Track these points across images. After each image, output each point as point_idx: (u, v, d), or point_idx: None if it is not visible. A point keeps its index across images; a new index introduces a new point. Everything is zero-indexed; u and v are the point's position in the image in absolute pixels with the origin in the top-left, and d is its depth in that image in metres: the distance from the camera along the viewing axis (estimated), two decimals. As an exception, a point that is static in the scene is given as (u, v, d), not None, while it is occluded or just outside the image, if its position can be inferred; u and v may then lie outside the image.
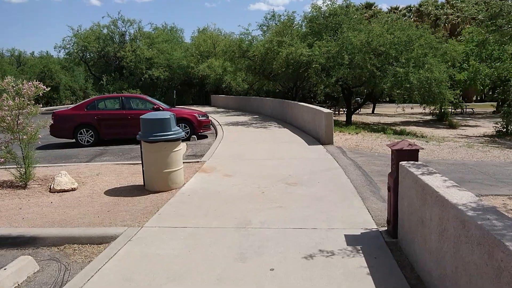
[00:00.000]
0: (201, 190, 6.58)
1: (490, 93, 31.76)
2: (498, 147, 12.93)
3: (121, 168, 8.70)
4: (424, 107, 23.66)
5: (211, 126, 14.64)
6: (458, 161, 9.14)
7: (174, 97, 30.06)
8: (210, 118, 20.54)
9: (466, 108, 31.12)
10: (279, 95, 33.51)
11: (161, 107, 13.42)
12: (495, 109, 34.42)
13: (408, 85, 14.62)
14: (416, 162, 4.25)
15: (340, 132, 14.80)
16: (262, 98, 25.07)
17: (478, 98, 52.66)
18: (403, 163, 4.23)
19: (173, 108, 14.20)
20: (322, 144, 11.08)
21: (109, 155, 11.02)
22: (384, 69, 15.81)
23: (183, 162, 8.86)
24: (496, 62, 17.93)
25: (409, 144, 4.41)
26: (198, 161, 9.06)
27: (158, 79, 34.42)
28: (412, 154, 4.37)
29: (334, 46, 16.09)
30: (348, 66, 16.02)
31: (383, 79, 15.65)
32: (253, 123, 17.37)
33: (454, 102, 17.85)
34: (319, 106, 31.73)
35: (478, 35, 26.08)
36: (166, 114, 6.76)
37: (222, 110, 27.33)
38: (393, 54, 15.59)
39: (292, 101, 16.97)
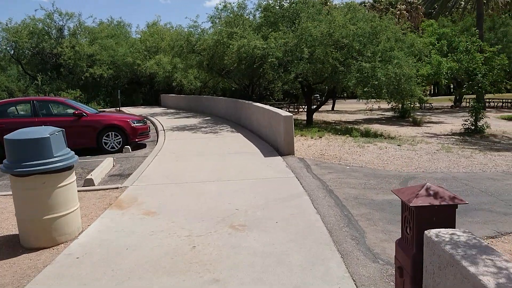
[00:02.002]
0: (101, 246, 4.36)
1: (451, 87, 31.36)
2: (476, 148, 11.55)
3: (5, 202, 6.27)
4: (389, 102, 22.39)
5: (149, 133, 12.31)
6: (446, 173, 7.45)
7: (119, 97, 27.22)
8: (154, 121, 18.14)
9: (425, 103, 30.46)
10: (236, 93, 31.42)
11: (85, 112, 10.95)
12: (453, 104, 34.18)
13: (376, 82, 13.00)
14: (459, 233, 2.30)
15: (301, 136, 12.93)
16: (215, 97, 22.91)
17: (433, 92, 53.22)
18: (432, 235, 2.27)
19: (101, 114, 11.74)
20: (281, 154, 9.10)
21: (3, 179, 8.47)
22: (348, 63, 14.12)
23: (98, 190, 6.59)
24: (462, 55, 16.84)
25: (435, 194, 2.47)
26: (117, 187, 6.78)
27: (101, 77, 31.27)
28: (444, 214, 2.43)
29: (292, 38, 14.22)
30: (308, 60, 14.20)
31: (347, 75, 13.95)
32: (202, 127, 15.16)
33: (422, 99, 16.54)
34: (278, 104, 29.99)
35: (437, 28, 25.27)
36: (45, 131, 4.46)
37: (172, 111, 24.85)
38: (357, 47, 13.93)
39: (246, 101, 14.94)
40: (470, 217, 4.99)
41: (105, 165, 8.63)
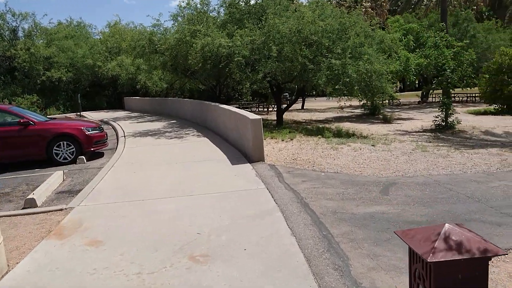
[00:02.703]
0: (26, 293, 3.49)
1: (416, 82, 31.63)
2: (450, 146, 11.22)
3: None
4: (361, 100, 22.15)
5: (107, 141, 11.30)
6: (427, 177, 6.95)
7: (80, 101, 25.72)
8: (115, 126, 17.03)
9: (393, 99, 30.54)
10: (204, 94, 30.42)
11: (32, 120, 9.84)
12: (420, 99, 34.50)
13: (347, 79, 12.49)
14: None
15: (271, 138, 12.26)
16: (180, 99, 21.92)
17: (399, 88, 53.99)
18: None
19: (51, 121, 10.64)
20: (250, 161, 8.38)
21: None
22: (317, 61, 13.57)
23: (38, 213, 5.66)
24: (430, 50, 16.67)
25: (459, 244, 1.79)
26: (62, 209, 5.86)
27: (60, 81, 29.53)
28: (473, 270, 1.76)
29: (259, 36, 13.52)
30: (276, 58, 13.55)
31: (316, 73, 13.39)
32: (167, 132, 14.23)
33: (393, 96, 16.23)
34: (247, 104, 29.26)
35: (403, 24, 25.25)
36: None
37: (136, 114, 23.66)
38: (327, 44, 13.39)
39: (213, 103, 14.13)
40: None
41: (53, 180, 7.65)
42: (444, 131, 15.75)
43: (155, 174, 7.76)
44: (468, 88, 23.91)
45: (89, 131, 10.32)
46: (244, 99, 14.92)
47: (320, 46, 13.69)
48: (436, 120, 16.19)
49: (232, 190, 6.26)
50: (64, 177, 8.31)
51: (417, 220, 4.78)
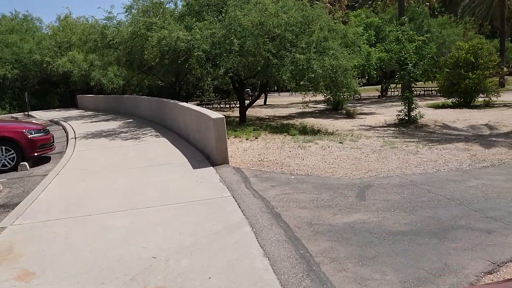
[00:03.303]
0: None
1: (377, 77, 31.96)
2: (417, 141, 11.03)
3: None
4: (326, 96, 21.93)
5: (54, 144, 10.22)
6: (401, 177, 6.58)
7: (27, 100, 23.91)
8: (66, 127, 15.76)
9: (355, 94, 30.66)
10: (164, 91, 29.24)
11: (-39, 124, 8.66)
12: (380, 94, 34.98)
13: (312, 75, 12.03)
14: None
15: (235, 137, 11.62)
16: (137, 97, 20.80)
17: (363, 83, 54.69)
18: None
19: (-14, 124, 9.47)
20: (214, 164, 7.70)
21: None
22: (281, 55, 13.04)
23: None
24: (392, 44, 16.61)
25: None
26: (-9, 230, 4.95)
27: (5, 78, 27.38)
28: None
29: (220, 29, 12.79)
30: (238, 53, 12.88)
31: (280, 68, 12.86)
32: (122, 132, 13.23)
33: (356, 91, 15.97)
34: (208, 100, 28.39)
35: (364, 18, 25.28)
36: None
37: (90, 113, 22.24)
38: (290, 38, 12.88)
39: (172, 101, 13.28)
40: (451, 240, 4.01)
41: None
42: (408, 125, 15.72)
43: (107, 182, 6.91)
44: (425, 82, 24.27)
45: (32, 133, 9.24)
46: (206, 96, 14.17)
47: (283, 40, 13.17)
48: (399, 115, 16.14)
49: (194, 200, 5.57)
50: (1, 188, 7.29)
51: (401, 230, 4.32)
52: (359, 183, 6.22)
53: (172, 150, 9.57)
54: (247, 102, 19.63)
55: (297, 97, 27.00)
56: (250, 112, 23.28)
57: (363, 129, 15.34)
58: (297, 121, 18.20)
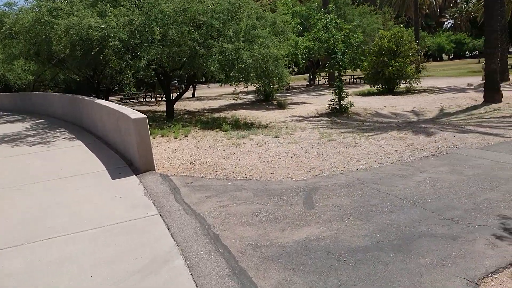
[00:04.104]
0: None
1: (304, 66, 32.11)
2: (351, 132, 10.80)
3: None
4: (257, 87, 21.34)
5: None
6: (347, 175, 6.08)
7: None
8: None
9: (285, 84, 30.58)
10: (83, 87, 26.69)
11: None
12: (308, 83, 35.36)
13: (242, 65, 11.26)
14: None
15: (162, 136, 10.54)
16: (47, 94, 18.58)
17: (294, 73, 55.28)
18: None
19: None
20: (137, 172, 6.64)
21: None
22: (209, 45, 12.09)
23: None
24: (321, 33, 16.42)
25: None
26: None
27: None
28: None
29: (138, 16, 11.47)
30: (161, 43, 11.70)
31: (208, 58, 11.92)
32: (29, 136, 11.46)
33: (285, 81, 15.50)
34: (133, 95, 26.47)
35: (291, 6, 25.01)
36: None
37: (-8, 114, 19.50)
38: (217, 26, 11.96)
39: (87, 98, 11.76)
40: (418, 254, 3.50)
41: None
42: (339, 114, 15.66)
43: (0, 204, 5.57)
44: (354, 70, 24.72)
45: None
46: (127, 90, 12.78)
47: (210, 28, 12.21)
48: (331, 104, 16.03)
49: (112, 223, 4.54)
50: None
51: (361, 244, 3.73)
52: (304, 185, 5.59)
53: (88, 156, 8.27)
54: (175, 95, 18.43)
55: (227, 88, 26.18)
56: (178, 106, 22.04)
57: (296, 120, 14.98)
58: (229, 114, 17.43)
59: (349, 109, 16.15)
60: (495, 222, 4.10)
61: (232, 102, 24.52)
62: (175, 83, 31.29)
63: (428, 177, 5.78)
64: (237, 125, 12.77)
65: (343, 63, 15.87)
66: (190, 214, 4.63)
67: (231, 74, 11.77)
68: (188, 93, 30.68)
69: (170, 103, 15.71)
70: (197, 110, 20.11)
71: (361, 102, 19.13)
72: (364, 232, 3.98)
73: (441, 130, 9.96)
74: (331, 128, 11.71)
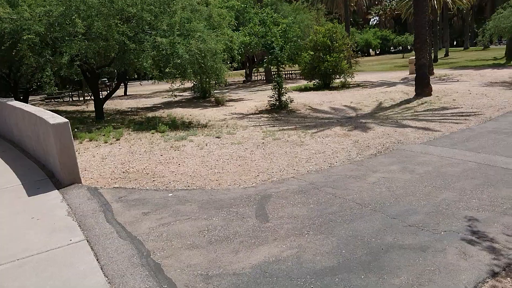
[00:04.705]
0: None
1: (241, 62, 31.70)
2: (294, 128, 10.51)
3: None
4: (194, 83, 20.51)
5: None
6: (299, 179, 5.67)
7: None
8: None
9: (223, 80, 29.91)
10: (1, 85, 23.92)
11: None
12: (245, 78, 35.03)
13: (178, 61, 10.47)
14: None
15: (90, 140, 9.48)
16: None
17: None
18: None
19: None
20: (59, 186, 5.69)
21: None
22: (140, 39, 11.13)
23: None
24: (258, 28, 16.01)
25: None
26: None
27: None
28: None
29: (57, 6, 10.21)
30: (85, 37, 10.54)
31: (140, 54, 10.97)
32: None
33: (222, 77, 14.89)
34: (59, 94, 24.26)
35: (225, 0, 24.32)
36: None
37: None
38: (148, 19, 11.03)
39: (0, 99, 10.28)
40: (391, 273, 3.12)
41: None
42: (279, 111, 15.41)
43: None
44: (292, 66, 24.69)
45: None
46: (48, 90, 11.34)
47: (141, 21, 11.24)
48: (270, 100, 15.72)
49: (27, 255, 3.68)
50: None
51: (327, 265, 3.29)
52: (254, 193, 5.07)
53: (0, 167, 7.07)
54: (106, 94, 17.04)
55: (161, 85, 24.93)
56: (109, 105, 20.55)
57: (236, 117, 14.48)
58: (164, 113, 16.49)
59: (289, 105, 15.95)
60: (459, 226, 3.88)
61: (167, 99, 23.40)
62: (105, 80, 29.32)
63: (381, 177, 5.54)
64: (175, 125, 11.96)
65: (281, 59, 15.59)
66: (124, 238, 3.90)
67: (166, 70, 10.91)
68: (120, 91, 28.94)
69: (99, 103, 14.42)
70: (130, 110, 18.84)
71: (299, 98, 19.08)
72: (327, 248, 3.55)
73: (382, 125, 9.99)
74: (274, 126, 11.34)
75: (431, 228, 3.84)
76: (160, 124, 11.23)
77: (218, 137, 9.51)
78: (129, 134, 10.24)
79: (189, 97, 24.05)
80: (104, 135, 9.90)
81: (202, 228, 4.08)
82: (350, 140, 8.44)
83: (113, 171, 6.49)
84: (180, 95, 25.47)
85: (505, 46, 35.25)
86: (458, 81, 20.35)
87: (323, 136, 9.06)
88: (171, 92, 14.38)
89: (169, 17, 11.37)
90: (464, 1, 39.70)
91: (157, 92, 28.01)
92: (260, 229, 3.99)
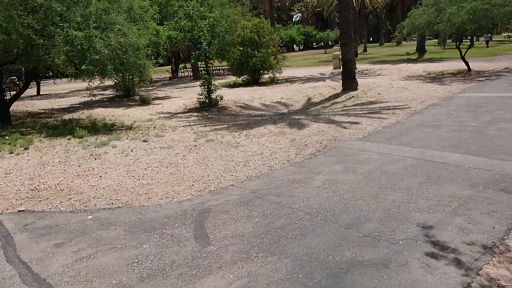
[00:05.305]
0: None
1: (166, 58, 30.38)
2: (227, 128, 9.98)
3: None
4: (116, 81, 19.07)
5: None
6: (239, 188, 5.16)
7: None
8: None
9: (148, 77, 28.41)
10: None
11: None
12: (171, 75, 33.73)
13: (96, 57, 9.38)
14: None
15: (-9, 150, 8.11)
16: None
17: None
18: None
19: None
20: None
21: None
22: (50, 33, 9.81)
23: None
24: (184, 22, 15.16)
25: None
26: None
27: None
28: None
29: None
30: (-20, 29, 9.04)
31: (50, 49, 9.67)
32: None
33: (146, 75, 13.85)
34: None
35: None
36: None
37: None
38: (59, 10, 9.75)
39: None
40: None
41: None
42: (210, 108, 14.79)
43: None
44: (221, 62, 24.06)
45: None
46: None
47: (49, 12, 9.91)
48: (200, 98, 15.02)
49: None
50: None
51: (283, 295, 2.81)
52: (190, 208, 4.46)
53: None
54: (11, 95, 15.11)
55: (80, 83, 22.92)
56: (18, 106, 18.39)
57: (164, 117, 13.62)
58: (84, 114, 15.07)
59: (219, 102, 15.40)
60: (415, 233, 3.64)
61: (87, 99, 21.60)
62: (14, 79, 26.42)
63: (326, 179, 5.23)
64: (95, 128, 10.83)
65: (209, 54, 14.95)
66: (29, 283, 3.09)
67: (82, 67, 9.74)
68: (32, 91, 26.19)
69: (4, 105, 12.66)
70: (43, 112, 16.96)
71: (229, 94, 18.59)
72: (282, 273, 3.09)
73: (315, 122, 9.84)
74: (205, 125, 10.72)
75: (388, 238, 3.56)
76: (78, 128, 10.04)
77: (145, 141, 8.67)
78: (41, 141, 8.99)
79: (111, 95, 22.42)
80: (9, 144, 8.56)
81: (131, 259, 3.39)
82: (286, 138, 8.13)
83: (19, 190, 5.46)
84: (101, 94, 23.70)
85: (416, 42, 37.97)
86: (379, 75, 21.24)
87: (258, 135, 8.65)
88: (90, 91, 13.03)
89: (83, 7, 10.19)
90: (379, 0, 42.04)
91: (75, 90, 25.82)
92: (202, 255, 3.41)
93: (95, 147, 7.95)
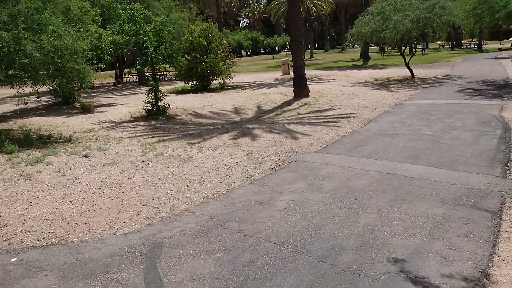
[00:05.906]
0: None
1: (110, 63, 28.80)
2: (178, 139, 9.29)
3: None
4: (52, 88, 17.52)
5: None
6: (195, 213, 4.58)
7: None
8: None
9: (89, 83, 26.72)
10: None
11: None
12: (115, 81, 32.10)
13: (26, 60, 8.33)
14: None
15: None
16: None
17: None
18: None
19: None
20: None
21: None
22: (-31, 34, 8.61)
23: None
24: (128, 25, 14.22)
25: None
26: None
27: None
28: None
29: None
30: None
31: (-29, 52, 8.48)
32: None
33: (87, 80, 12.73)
34: None
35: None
36: None
37: None
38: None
39: None
40: None
41: None
42: (157, 117, 13.96)
43: None
44: (170, 67, 23.16)
45: None
46: None
47: (-32, 10, 8.72)
48: (147, 106, 14.15)
49: None
50: None
51: None
52: (139, 242, 3.82)
53: None
54: None
55: (10, 89, 20.98)
56: None
57: (108, 127, 12.63)
58: (16, 124, 13.66)
59: (167, 110, 14.62)
60: (396, 265, 3.29)
61: (19, 107, 19.80)
62: None
63: (290, 200, 4.78)
64: (28, 141, 9.67)
65: (156, 60, 14.15)
66: None
67: (10, 72, 8.63)
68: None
69: None
70: (-35, 122, 15.19)
71: (177, 101, 17.82)
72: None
73: (270, 131, 9.44)
74: (153, 136, 9.97)
75: (369, 272, 3.16)
76: (7, 141, 8.86)
77: (86, 156, 7.79)
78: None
79: (49, 103, 20.71)
80: None
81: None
82: (242, 151, 7.63)
83: None
84: (38, 101, 21.84)
85: (360, 49, 39.22)
86: (328, 81, 21.42)
87: (212, 147, 8.08)
88: (21, 98, 11.70)
89: (11, 5, 9.08)
90: (325, 7, 42.98)
91: (7, 97, 23.64)
92: (154, 308, 2.81)
93: (27, 165, 6.97)
